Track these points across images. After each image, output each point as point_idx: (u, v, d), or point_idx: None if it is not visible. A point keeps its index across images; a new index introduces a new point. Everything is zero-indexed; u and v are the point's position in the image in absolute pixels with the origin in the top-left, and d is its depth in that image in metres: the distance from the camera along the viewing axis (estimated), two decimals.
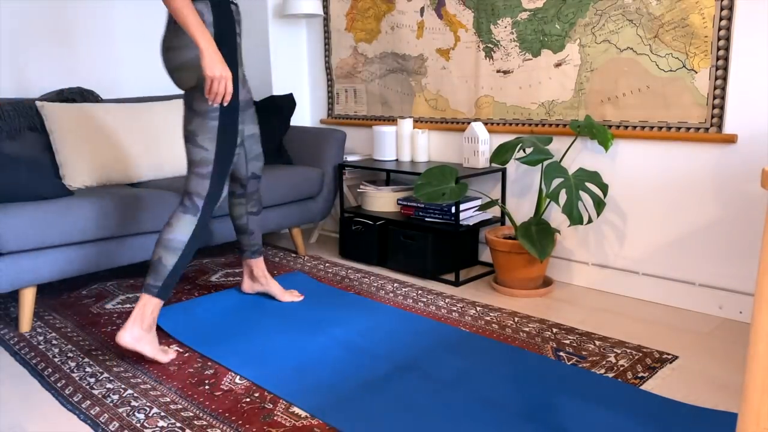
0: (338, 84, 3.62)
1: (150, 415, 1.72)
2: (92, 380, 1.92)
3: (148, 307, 1.98)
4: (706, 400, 1.75)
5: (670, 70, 2.34)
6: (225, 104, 1.97)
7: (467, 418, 1.66)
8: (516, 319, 2.35)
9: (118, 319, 2.41)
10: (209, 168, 2.01)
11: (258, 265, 2.51)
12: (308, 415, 1.70)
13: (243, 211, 2.39)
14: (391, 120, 3.38)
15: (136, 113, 2.93)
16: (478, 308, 2.47)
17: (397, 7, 3.22)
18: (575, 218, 2.38)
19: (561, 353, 2.04)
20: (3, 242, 2.14)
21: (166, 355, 2.03)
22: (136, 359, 2.06)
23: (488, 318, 2.36)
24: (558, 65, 2.65)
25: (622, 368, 1.93)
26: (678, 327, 2.27)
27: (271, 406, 1.75)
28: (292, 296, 2.54)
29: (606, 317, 2.37)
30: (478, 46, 2.92)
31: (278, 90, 3.64)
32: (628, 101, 2.48)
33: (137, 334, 1.96)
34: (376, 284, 2.77)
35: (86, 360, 2.07)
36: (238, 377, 1.92)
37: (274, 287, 2.54)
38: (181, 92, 3.58)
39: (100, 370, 1.99)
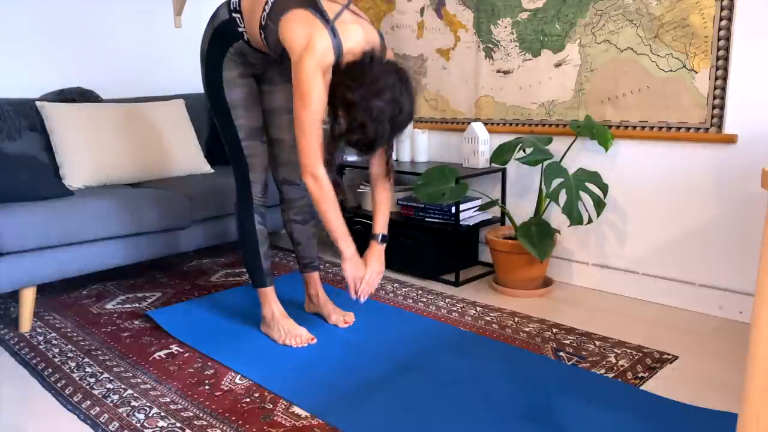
0: None
1: (150, 415, 1.72)
2: (92, 380, 1.92)
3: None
4: (706, 400, 1.75)
5: (670, 71, 2.34)
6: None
7: (467, 417, 1.66)
8: (516, 319, 2.35)
9: (118, 319, 2.41)
10: (231, 162, 2.14)
11: (310, 280, 2.33)
12: (308, 415, 1.70)
13: (286, 217, 2.29)
14: None
15: (136, 113, 2.93)
16: (478, 308, 2.47)
17: (397, 7, 3.22)
18: (575, 218, 2.38)
19: (561, 353, 2.04)
20: (3, 242, 2.14)
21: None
22: (137, 359, 2.06)
23: (488, 318, 2.36)
24: (558, 65, 2.65)
25: (622, 368, 1.93)
26: (678, 327, 2.27)
27: (271, 406, 1.75)
28: (338, 315, 2.30)
29: (606, 317, 2.37)
30: (478, 46, 2.92)
31: None
32: (628, 101, 2.48)
33: None
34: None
35: (86, 360, 2.07)
36: (238, 377, 1.92)
37: (326, 308, 2.32)
38: (181, 93, 3.58)
39: (100, 370, 1.99)
